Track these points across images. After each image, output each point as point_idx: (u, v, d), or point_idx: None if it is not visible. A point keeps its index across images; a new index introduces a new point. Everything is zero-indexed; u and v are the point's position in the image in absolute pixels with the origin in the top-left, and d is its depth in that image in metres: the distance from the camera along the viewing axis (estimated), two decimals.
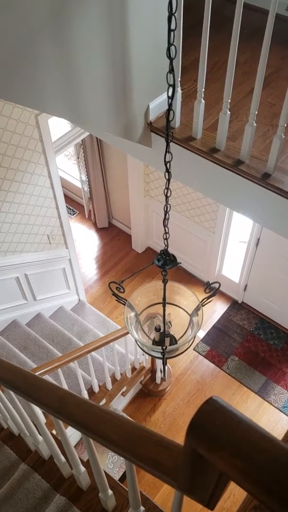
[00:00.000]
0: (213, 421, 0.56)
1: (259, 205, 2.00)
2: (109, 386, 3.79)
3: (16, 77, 1.55)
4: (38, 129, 3.23)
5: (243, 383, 4.43)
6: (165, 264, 1.52)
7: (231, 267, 4.93)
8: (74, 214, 6.08)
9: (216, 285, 1.78)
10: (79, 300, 5.01)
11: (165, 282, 1.56)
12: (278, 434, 4.09)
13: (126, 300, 1.80)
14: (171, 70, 1.01)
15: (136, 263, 5.47)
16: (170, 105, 1.12)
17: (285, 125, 1.75)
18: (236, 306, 5.02)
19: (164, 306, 1.73)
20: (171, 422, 4.19)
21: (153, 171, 4.63)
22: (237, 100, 2.21)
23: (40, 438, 1.74)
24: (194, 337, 1.78)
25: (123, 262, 5.53)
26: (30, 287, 4.24)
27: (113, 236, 5.81)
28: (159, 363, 4.07)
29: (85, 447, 1.31)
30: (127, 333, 3.56)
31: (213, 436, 0.56)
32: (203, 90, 1.88)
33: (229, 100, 1.84)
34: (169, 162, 1.25)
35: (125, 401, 4.23)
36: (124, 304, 1.81)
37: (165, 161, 1.22)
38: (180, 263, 1.57)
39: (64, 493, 1.65)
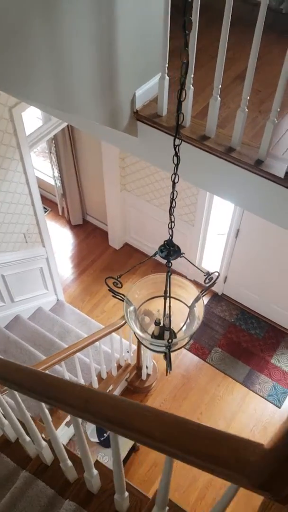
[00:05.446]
0: None
1: (253, 193, 1.97)
2: (95, 385, 3.71)
3: (1, 63, 1.45)
4: (12, 122, 3.09)
5: (227, 374, 4.44)
6: (169, 255, 1.46)
7: (211, 259, 4.93)
8: (46, 211, 5.92)
9: (215, 275, 1.75)
10: (58, 300, 4.89)
11: (169, 273, 1.51)
12: (265, 423, 4.13)
13: (124, 296, 1.73)
14: (186, 45, 0.95)
15: (114, 260, 5.38)
16: (182, 84, 1.05)
17: (278, 109, 1.73)
18: (216, 298, 5.03)
19: (165, 300, 1.68)
20: None
21: (130, 164, 4.53)
22: (223, 86, 2.17)
23: (43, 443, 1.65)
24: (196, 329, 1.74)
25: (100, 259, 5.43)
26: (7, 289, 4.09)
27: (89, 233, 5.70)
28: (145, 359, 4.01)
29: (112, 448, 1.24)
30: (113, 330, 3.49)
31: None
32: (192, 76, 1.83)
33: (220, 86, 1.80)
34: (178, 145, 1.19)
35: None
36: (122, 300, 1.74)
37: (174, 145, 1.16)
38: (184, 253, 1.52)
39: (74, 498, 1.57)
